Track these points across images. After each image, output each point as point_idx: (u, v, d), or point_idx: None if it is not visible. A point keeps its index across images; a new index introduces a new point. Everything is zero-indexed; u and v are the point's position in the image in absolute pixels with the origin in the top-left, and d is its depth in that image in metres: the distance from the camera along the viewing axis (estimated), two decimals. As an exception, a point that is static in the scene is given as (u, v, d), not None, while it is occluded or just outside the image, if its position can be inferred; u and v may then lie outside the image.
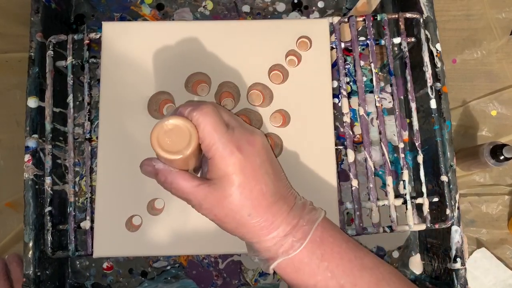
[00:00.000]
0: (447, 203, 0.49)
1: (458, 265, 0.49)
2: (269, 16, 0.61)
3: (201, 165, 0.40)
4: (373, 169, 0.49)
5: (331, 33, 0.51)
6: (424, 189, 0.49)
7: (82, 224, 0.48)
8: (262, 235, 0.35)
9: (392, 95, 0.51)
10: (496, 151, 0.52)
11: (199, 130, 0.34)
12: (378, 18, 0.52)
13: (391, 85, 0.51)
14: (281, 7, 0.62)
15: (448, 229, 0.49)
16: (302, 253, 0.36)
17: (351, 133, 0.49)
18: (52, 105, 0.50)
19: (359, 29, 0.55)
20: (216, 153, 0.34)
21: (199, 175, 0.41)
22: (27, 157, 0.49)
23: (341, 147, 0.54)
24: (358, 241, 0.56)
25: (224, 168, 0.34)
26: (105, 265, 0.56)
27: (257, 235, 0.35)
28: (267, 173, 0.36)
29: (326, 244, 0.37)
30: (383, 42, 0.52)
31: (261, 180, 0.35)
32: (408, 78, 0.51)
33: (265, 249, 0.36)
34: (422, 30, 0.52)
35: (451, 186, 0.50)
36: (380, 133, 0.50)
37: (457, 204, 0.49)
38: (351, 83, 0.59)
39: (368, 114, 0.57)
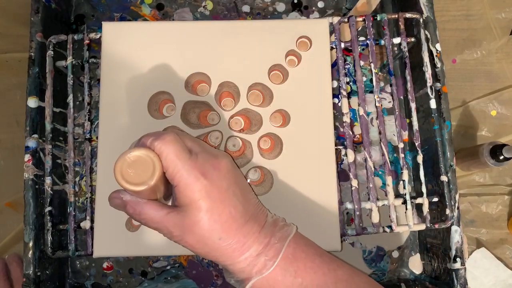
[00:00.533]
0: (447, 203, 0.49)
1: (458, 265, 0.49)
2: (269, 16, 0.61)
3: (171, 192, 0.39)
4: (373, 169, 0.49)
5: (331, 33, 0.51)
6: (424, 189, 0.49)
7: (82, 224, 0.48)
8: (235, 257, 0.35)
9: (392, 95, 0.51)
10: (496, 151, 0.52)
11: (162, 159, 0.34)
12: (378, 18, 0.52)
13: (391, 85, 0.51)
14: (281, 7, 0.62)
15: (448, 229, 0.49)
16: (276, 271, 0.36)
17: (351, 133, 0.49)
18: (52, 105, 0.50)
19: (359, 29, 0.55)
20: (181, 181, 0.34)
21: (170, 202, 0.41)
22: (27, 157, 0.49)
23: (341, 147, 0.54)
24: (358, 240, 0.56)
25: (190, 195, 0.34)
26: (105, 265, 0.56)
27: (230, 257, 0.35)
28: (235, 195, 0.36)
29: (299, 260, 0.37)
30: (383, 42, 0.52)
31: (229, 203, 0.36)
32: (408, 78, 0.51)
33: (239, 271, 0.36)
34: (422, 30, 0.52)
35: (451, 186, 0.50)
36: (380, 133, 0.50)
37: (457, 204, 0.49)
38: (351, 83, 0.59)
39: (368, 114, 0.57)
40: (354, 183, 0.49)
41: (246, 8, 0.61)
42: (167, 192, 0.38)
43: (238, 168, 0.40)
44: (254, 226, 0.36)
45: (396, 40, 0.52)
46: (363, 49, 0.59)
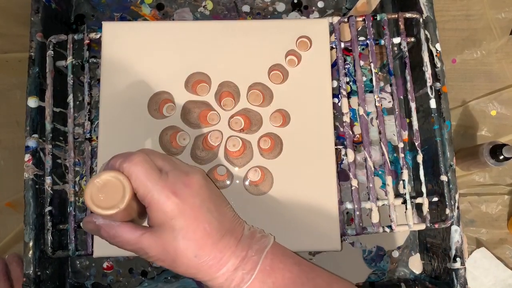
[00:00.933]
0: (447, 203, 0.49)
1: (457, 265, 0.49)
2: (269, 16, 0.61)
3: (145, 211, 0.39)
4: (372, 169, 0.49)
5: (331, 33, 0.51)
6: (423, 189, 0.49)
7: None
8: (212, 273, 0.35)
9: (391, 95, 0.51)
10: (496, 151, 0.52)
11: (132, 181, 0.34)
12: (378, 18, 0.52)
13: (390, 85, 0.51)
14: (281, 7, 0.62)
15: (448, 229, 0.49)
16: (254, 284, 0.35)
17: (351, 133, 0.49)
18: (52, 105, 0.50)
19: (359, 29, 0.55)
20: (152, 201, 0.34)
21: (146, 221, 0.40)
22: (27, 157, 0.49)
23: (340, 147, 0.54)
24: (358, 240, 0.56)
25: (162, 215, 0.34)
26: (105, 264, 0.56)
27: (207, 273, 0.35)
28: (209, 211, 0.36)
29: (277, 271, 0.36)
30: (382, 42, 0.52)
31: (203, 219, 0.35)
32: (408, 78, 0.51)
33: (218, 286, 0.35)
34: (421, 30, 0.52)
35: (450, 186, 0.50)
36: (379, 133, 0.50)
37: (456, 204, 0.49)
38: (350, 83, 0.59)
39: (367, 114, 0.57)
40: (354, 183, 0.49)
41: (246, 8, 0.62)
42: (142, 211, 0.38)
43: (212, 182, 0.40)
44: (230, 240, 0.36)
45: (396, 40, 0.52)
46: (363, 49, 0.59)
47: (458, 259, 0.49)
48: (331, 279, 0.38)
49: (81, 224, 0.36)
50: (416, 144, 0.50)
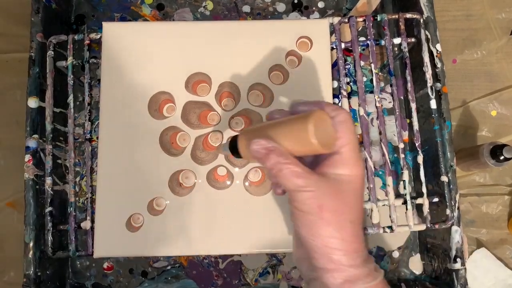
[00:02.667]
0: (447, 203, 0.49)
1: (458, 265, 0.49)
2: (269, 17, 0.61)
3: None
4: (373, 169, 0.49)
5: (331, 34, 0.51)
6: (424, 189, 0.49)
7: (82, 224, 0.48)
8: (350, 250, 0.33)
9: (392, 95, 0.51)
10: (496, 151, 0.52)
11: (343, 127, 0.34)
12: (378, 18, 0.52)
13: (391, 85, 0.51)
14: (281, 7, 0.62)
15: (448, 229, 0.49)
16: (379, 286, 0.34)
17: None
18: (52, 105, 0.50)
19: (359, 29, 0.55)
20: (348, 152, 0.34)
21: None
22: (28, 157, 0.49)
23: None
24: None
25: (351, 166, 0.34)
26: (105, 265, 0.56)
27: (343, 247, 0.33)
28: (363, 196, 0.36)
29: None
30: (383, 42, 0.52)
31: (362, 202, 0.35)
32: (408, 78, 0.51)
33: (343, 269, 0.33)
34: (422, 31, 0.52)
35: (451, 186, 0.50)
36: (380, 133, 0.50)
37: (457, 204, 0.49)
38: (351, 83, 0.59)
39: (368, 114, 0.57)
40: (355, 183, 0.48)
41: (246, 8, 0.61)
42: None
43: None
44: (363, 236, 0.35)
45: (397, 41, 0.52)
46: (363, 49, 0.59)
47: (458, 259, 0.49)
48: None
49: (251, 146, 0.34)
50: (417, 144, 0.50)
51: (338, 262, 0.33)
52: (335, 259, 0.33)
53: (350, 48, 0.51)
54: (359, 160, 0.34)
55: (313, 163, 0.36)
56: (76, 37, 0.51)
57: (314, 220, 0.33)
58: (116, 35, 0.49)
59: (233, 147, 0.37)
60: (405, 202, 0.49)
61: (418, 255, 0.57)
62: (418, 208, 0.52)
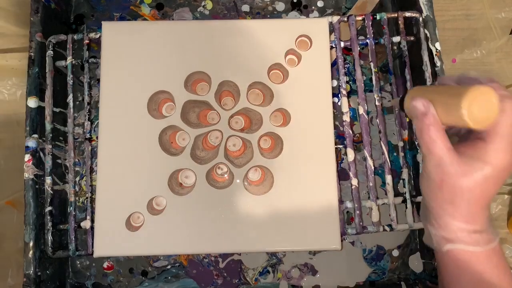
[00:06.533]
0: (447, 202, 0.49)
1: (458, 264, 0.49)
2: (268, 16, 0.61)
3: None
4: (373, 168, 0.49)
5: (330, 32, 0.51)
6: (424, 188, 0.49)
7: (82, 224, 0.48)
8: (457, 220, 0.35)
9: (391, 94, 0.51)
10: (496, 150, 0.52)
11: (504, 116, 0.33)
12: (378, 17, 0.52)
13: (390, 84, 0.52)
14: (280, 6, 0.62)
15: (448, 228, 0.49)
16: (481, 254, 0.35)
17: (351, 132, 0.49)
18: (52, 105, 0.50)
19: (359, 28, 0.55)
20: (497, 142, 0.34)
21: None
22: (27, 157, 0.49)
23: (341, 146, 0.54)
24: (358, 239, 0.56)
25: (492, 157, 0.33)
26: (105, 264, 0.56)
27: (451, 216, 0.35)
28: (502, 184, 0.36)
29: (502, 259, 0.37)
30: (382, 41, 0.52)
31: (498, 188, 0.35)
32: (408, 77, 0.51)
33: (446, 230, 0.35)
34: (421, 29, 0.52)
35: (451, 185, 0.50)
36: (379, 132, 0.50)
37: (457, 203, 0.49)
38: (350, 82, 0.59)
39: (367, 113, 0.57)
40: (354, 182, 0.49)
41: (245, 8, 0.62)
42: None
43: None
44: (485, 213, 0.36)
45: (396, 39, 0.52)
46: (362, 48, 0.59)
47: (458, 258, 0.49)
48: None
49: (412, 101, 0.35)
50: (416, 143, 0.50)
51: (442, 224, 0.35)
52: (439, 222, 0.36)
53: (350, 47, 0.51)
54: (506, 152, 0.34)
55: (465, 135, 0.37)
56: (75, 36, 0.51)
57: (434, 187, 0.35)
58: (116, 35, 0.49)
59: (402, 101, 0.39)
60: (404, 201, 0.49)
61: (418, 254, 0.57)
62: (418, 206, 0.51)
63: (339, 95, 0.50)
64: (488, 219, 0.37)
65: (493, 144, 0.34)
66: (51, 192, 0.49)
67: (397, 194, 0.50)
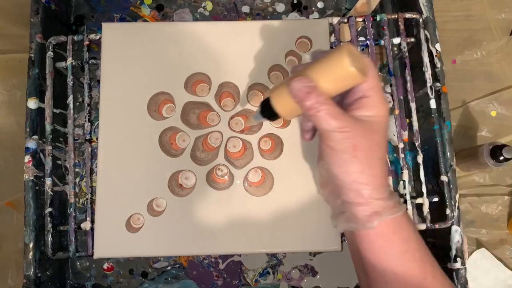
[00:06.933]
0: (447, 203, 0.49)
1: (458, 265, 0.49)
2: (268, 17, 0.61)
3: None
4: (373, 169, 0.49)
5: (330, 34, 0.51)
6: (424, 189, 0.49)
7: (82, 225, 0.48)
8: (378, 185, 0.36)
9: (392, 95, 0.51)
10: (496, 151, 0.52)
11: (369, 71, 0.36)
12: (378, 18, 0.52)
13: (390, 85, 0.51)
14: (280, 7, 0.62)
15: (448, 229, 0.49)
16: (403, 217, 0.37)
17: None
18: (52, 106, 0.50)
19: (359, 29, 0.55)
20: (376, 94, 0.36)
21: None
22: (27, 158, 0.49)
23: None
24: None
25: (380, 108, 0.36)
26: (105, 265, 0.56)
27: (373, 182, 0.36)
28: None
29: (413, 223, 0.38)
30: (382, 42, 0.52)
31: (387, 136, 0.39)
32: (408, 78, 0.51)
33: (372, 202, 0.36)
34: (421, 30, 0.52)
35: (451, 186, 0.50)
36: (380, 133, 0.50)
37: (457, 204, 0.49)
38: (351, 84, 0.59)
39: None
40: (354, 183, 0.48)
41: (245, 9, 0.62)
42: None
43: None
44: (387, 172, 0.39)
45: (396, 40, 0.52)
46: (363, 49, 0.59)
47: (458, 259, 0.49)
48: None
49: (292, 84, 0.35)
50: (416, 144, 0.50)
51: (368, 196, 0.36)
52: (364, 194, 0.36)
53: (350, 48, 0.51)
54: (385, 101, 0.37)
55: (343, 107, 0.38)
56: (75, 38, 0.51)
57: (348, 158, 0.36)
58: (116, 36, 0.49)
59: (265, 110, 0.39)
60: (405, 202, 0.49)
61: (418, 255, 0.57)
62: (418, 207, 0.51)
63: (339, 96, 0.50)
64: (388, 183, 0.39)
65: (375, 96, 0.36)
66: (51, 193, 0.49)
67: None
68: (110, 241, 0.45)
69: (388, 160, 0.39)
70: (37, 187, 0.50)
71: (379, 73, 0.60)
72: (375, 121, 0.36)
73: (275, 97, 0.38)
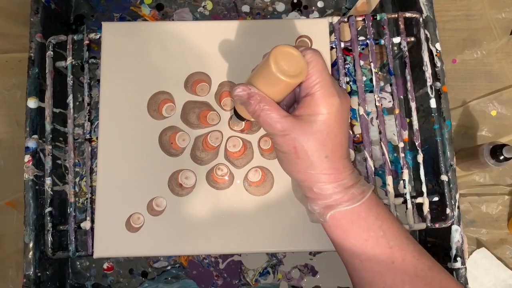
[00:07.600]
0: (447, 202, 0.49)
1: (458, 265, 0.49)
2: (268, 16, 0.61)
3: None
4: (373, 168, 0.49)
5: (330, 33, 0.51)
6: (424, 189, 0.49)
7: (82, 225, 0.48)
8: (329, 181, 0.36)
9: (392, 95, 0.51)
10: (496, 151, 0.52)
11: (310, 67, 0.35)
12: (378, 17, 0.52)
13: (390, 85, 0.51)
14: (280, 7, 0.62)
15: (448, 229, 0.49)
16: (361, 207, 0.37)
17: (351, 133, 0.49)
18: (52, 105, 0.50)
19: (359, 28, 0.55)
20: (318, 91, 0.36)
21: None
22: (27, 157, 0.49)
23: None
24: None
25: (323, 105, 0.36)
26: (105, 265, 0.56)
27: (322, 179, 0.37)
28: (347, 127, 0.38)
29: (381, 207, 0.38)
30: (382, 41, 0.52)
31: (344, 130, 0.37)
32: (408, 77, 0.51)
33: (325, 197, 0.37)
34: (421, 30, 0.52)
35: (451, 185, 0.50)
36: (380, 132, 0.50)
37: (457, 204, 0.49)
38: (351, 83, 0.59)
39: (368, 113, 0.57)
40: (354, 183, 0.48)
41: (245, 8, 0.61)
42: (281, 103, 0.39)
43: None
44: (348, 164, 0.38)
45: (396, 40, 0.52)
46: (363, 49, 0.59)
47: (458, 258, 0.49)
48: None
49: (233, 91, 0.37)
50: (417, 143, 0.50)
51: (318, 192, 0.37)
52: (314, 190, 0.37)
53: (350, 48, 0.51)
54: (333, 96, 0.36)
55: (294, 107, 0.39)
56: (75, 37, 0.51)
57: (292, 159, 0.37)
58: (116, 35, 0.49)
59: (236, 113, 0.41)
60: (405, 201, 0.49)
61: (418, 255, 0.57)
62: (418, 207, 0.51)
63: (339, 95, 0.50)
64: (354, 171, 0.39)
65: (317, 94, 0.36)
66: (51, 192, 0.49)
67: (397, 195, 0.50)
68: (110, 240, 0.45)
69: (352, 152, 0.42)
70: (37, 187, 0.50)
71: (379, 73, 0.60)
72: (317, 120, 0.36)
73: (236, 102, 0.39)
